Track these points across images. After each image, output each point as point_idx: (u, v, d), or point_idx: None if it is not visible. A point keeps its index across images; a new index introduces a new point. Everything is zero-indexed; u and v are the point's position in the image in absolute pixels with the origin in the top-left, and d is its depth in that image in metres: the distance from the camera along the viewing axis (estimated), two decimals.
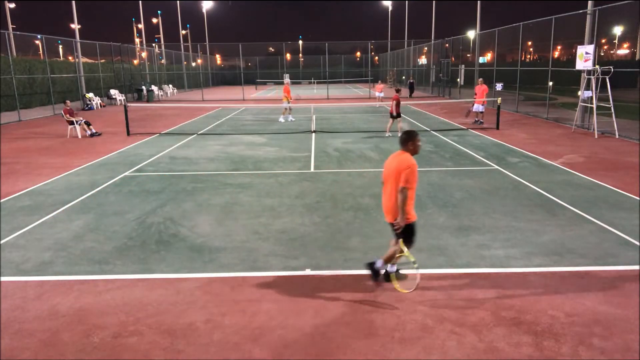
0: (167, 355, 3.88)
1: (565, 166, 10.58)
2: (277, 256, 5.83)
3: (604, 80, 14.75)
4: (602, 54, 49.95)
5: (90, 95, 28.61)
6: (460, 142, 13.98)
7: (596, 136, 14.75)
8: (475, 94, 18.55)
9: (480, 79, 18.89)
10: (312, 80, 48.45)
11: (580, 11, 17.08)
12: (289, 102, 19.98)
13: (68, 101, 17.12)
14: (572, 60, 20.36)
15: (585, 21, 16.74)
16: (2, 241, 6.43)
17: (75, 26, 29.84)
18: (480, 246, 6.02)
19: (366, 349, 3.92)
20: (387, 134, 15.32)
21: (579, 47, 16.58)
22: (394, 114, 14.87)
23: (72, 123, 16.32)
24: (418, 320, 4.33)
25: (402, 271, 5.17)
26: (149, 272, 5.44)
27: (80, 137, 16.04)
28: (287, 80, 25.27)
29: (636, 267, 5.35)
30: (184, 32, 63.53)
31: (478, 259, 5.65)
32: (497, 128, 16.35)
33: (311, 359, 3.81)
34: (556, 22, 18.67)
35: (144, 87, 35.93)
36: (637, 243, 6.04)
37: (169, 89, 41.81)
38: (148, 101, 34.18)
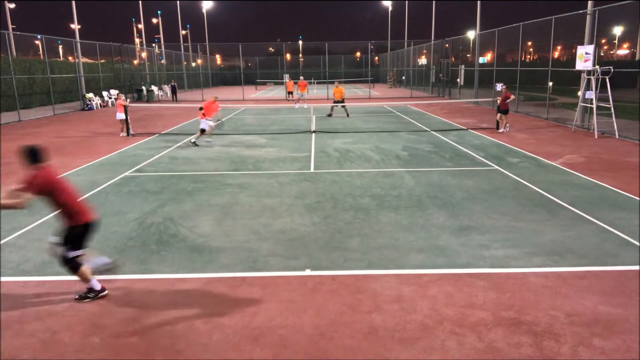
0: (167, 355, 3.88)
1: (565, 166, 10.58)
2: (277, 256, 5.83)
3: (603, 80, 14.76)
4: (602, 54, 49.99)
5: (90, 95, 28.60)
6: (460, 143, 13.98)
7: (596, 136, 14.75)
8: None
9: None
10: (312, 81, 48.39)
11: (580, 11, 17.08)
12: (303, 94, 27.03)
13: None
14: (572, 61, 20.36)
15: (585, 21, 16.74)
16: (2, 241, 6.44)
17: (75, 26, 29.83)
18: (480, 246, 6.03)
19: (366, 349, 3.92)
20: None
21: (579, 47, 16.58)
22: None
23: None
24: (418, 320, 4.33)
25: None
26: (149, 272, 5.44)
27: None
28: (301, 77, 28.75)
29: (636, 267, 5.35)
30: (184, 32, 63.66)
31: (478, 259, 5.65)
32: (497, 128, 16.34)
33: (311, 359, 3.81)
34: (556, 22, 18.67)
35: (143, 88, 35.93)
36: (637, 243, 6.04)
37: (169, 89, 41.76)
38: (148, 101, 34.19)
